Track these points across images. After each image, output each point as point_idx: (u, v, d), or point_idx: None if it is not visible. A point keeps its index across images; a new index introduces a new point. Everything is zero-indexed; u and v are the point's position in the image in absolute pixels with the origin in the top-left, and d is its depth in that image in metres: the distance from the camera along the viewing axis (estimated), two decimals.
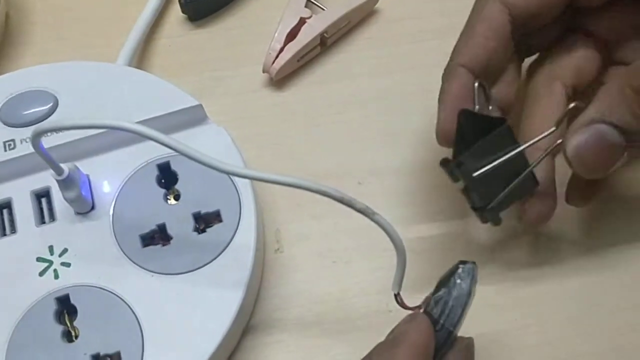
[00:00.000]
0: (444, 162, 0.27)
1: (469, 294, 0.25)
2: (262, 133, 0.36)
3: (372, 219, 0.23)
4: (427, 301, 0.26)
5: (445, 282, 0.26)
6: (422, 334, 0.24)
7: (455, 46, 0.29)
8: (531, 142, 0.27)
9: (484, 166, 0.26)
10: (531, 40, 0.31)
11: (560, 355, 0.30)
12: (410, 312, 0.26)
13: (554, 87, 0.30)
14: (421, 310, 0.26)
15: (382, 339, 0.26)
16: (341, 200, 0.23)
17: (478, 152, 0.26)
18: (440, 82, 0.30)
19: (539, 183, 0.28)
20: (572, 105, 0.26)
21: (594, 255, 0.32)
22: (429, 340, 0.24)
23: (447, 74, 0.29)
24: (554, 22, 0.30)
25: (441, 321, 0.25)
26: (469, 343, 0.26)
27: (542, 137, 0.27)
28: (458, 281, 0.25)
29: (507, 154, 0.27)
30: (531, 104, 0.30)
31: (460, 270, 0.25)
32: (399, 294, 0.26)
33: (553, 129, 0.27)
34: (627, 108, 0.24)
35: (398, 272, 0.25)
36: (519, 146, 0.27)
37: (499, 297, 0.31)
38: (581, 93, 0.30)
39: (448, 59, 0.30)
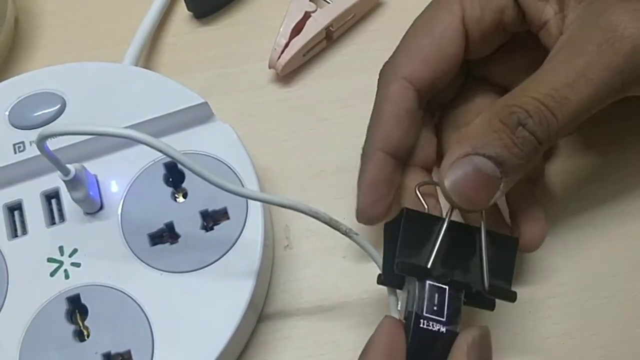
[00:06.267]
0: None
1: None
2: (269, 129, 0.36)
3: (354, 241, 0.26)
4: None
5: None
6: (387, 335, 0.25)
7: (368, 128, 0.30)
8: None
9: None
10: (437, 99, 0.31)
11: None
12: None
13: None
14: None
15: None
16: (329, 223, 0.25)
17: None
18: None
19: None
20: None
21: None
22: (394, 339, 0.24)
23: (364, 157, 0.29)
24: (455, 78, 0.30)
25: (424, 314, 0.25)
26: (483, 333, 0.25)
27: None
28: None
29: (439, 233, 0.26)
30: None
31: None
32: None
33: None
34: (498, 140, 0.25)
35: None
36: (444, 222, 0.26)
37: None
38: None
39: None
